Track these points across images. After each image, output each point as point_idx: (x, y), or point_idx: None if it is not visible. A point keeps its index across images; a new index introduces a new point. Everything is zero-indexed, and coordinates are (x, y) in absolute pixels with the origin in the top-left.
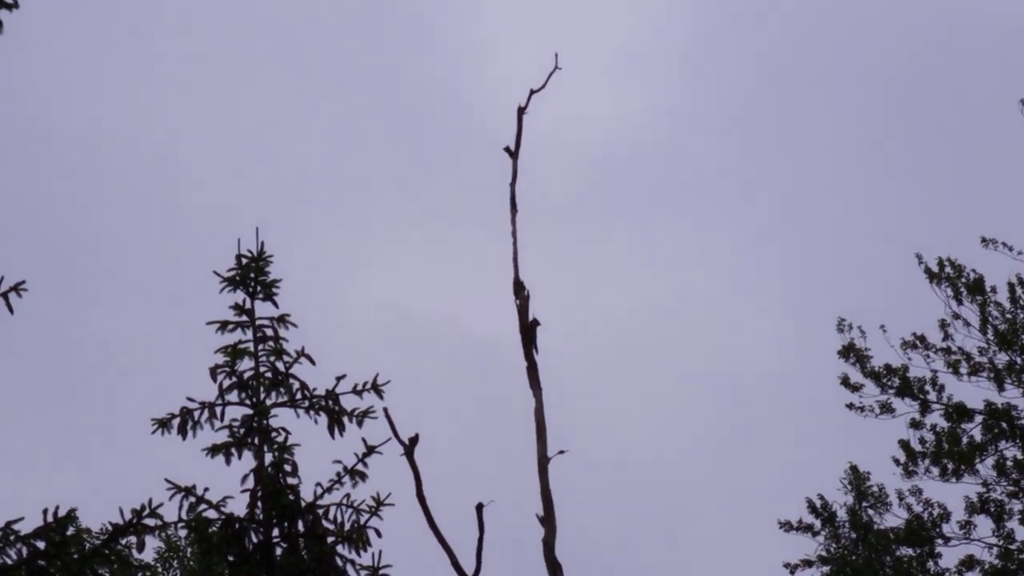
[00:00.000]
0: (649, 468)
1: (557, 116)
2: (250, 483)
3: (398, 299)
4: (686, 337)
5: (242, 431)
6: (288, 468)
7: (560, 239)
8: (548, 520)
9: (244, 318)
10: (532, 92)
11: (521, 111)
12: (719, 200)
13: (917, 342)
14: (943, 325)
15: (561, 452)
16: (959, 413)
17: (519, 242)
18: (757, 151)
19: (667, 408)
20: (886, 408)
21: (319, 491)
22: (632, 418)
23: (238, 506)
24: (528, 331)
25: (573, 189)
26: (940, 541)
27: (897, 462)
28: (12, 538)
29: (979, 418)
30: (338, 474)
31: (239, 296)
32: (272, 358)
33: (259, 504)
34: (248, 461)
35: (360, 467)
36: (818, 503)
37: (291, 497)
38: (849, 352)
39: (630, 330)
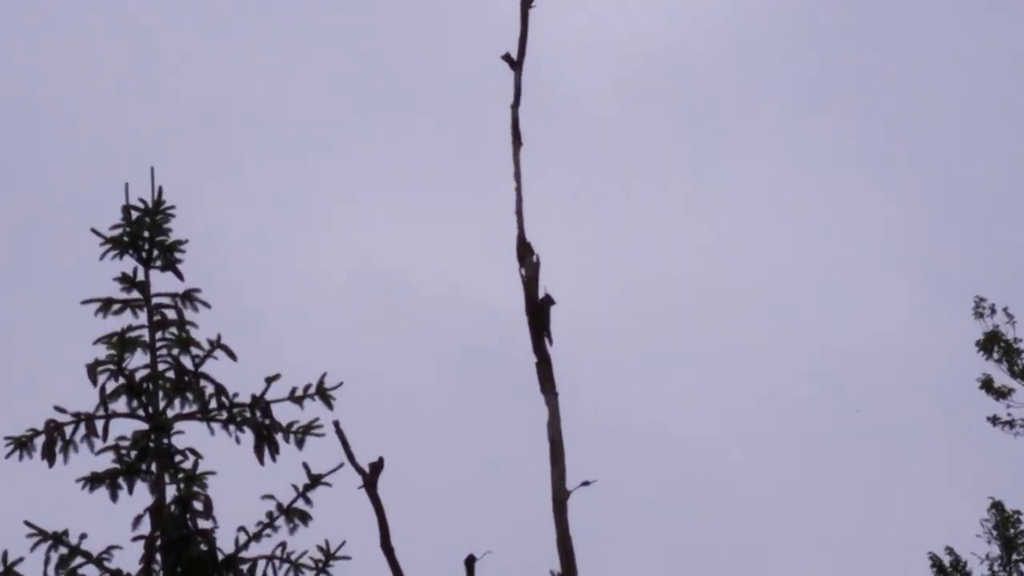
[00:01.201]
0: (706, 493)
1: (580, 9)
2: (145, 527)
3: (366, 264)
4: (754, 312)
5: (133, 454)
6: (199, 506)
7: (585, 180)
8: None
9: (135, 295)
10: None
11: (526, 3)
12: (806, 125)
13: None
14: None
15: (586, 484)
16: None
17: (525, 186)
18: (860, 61)
19: (731, 404)
20: None
21: (243, 539)
22: (686, 421)
23: (128, 560)
24: (538, 313)
25: (603, 111)
26: None
27: None
28: None
29: None
30: (270, 515)
31: (128, 264)
32: (175, 351)
33: (158, 557)
34: (143, 496)
35: (301, 505)
36: (947, 559)
37: (203, 547)
38: (993, 344)
39: (682, 301)
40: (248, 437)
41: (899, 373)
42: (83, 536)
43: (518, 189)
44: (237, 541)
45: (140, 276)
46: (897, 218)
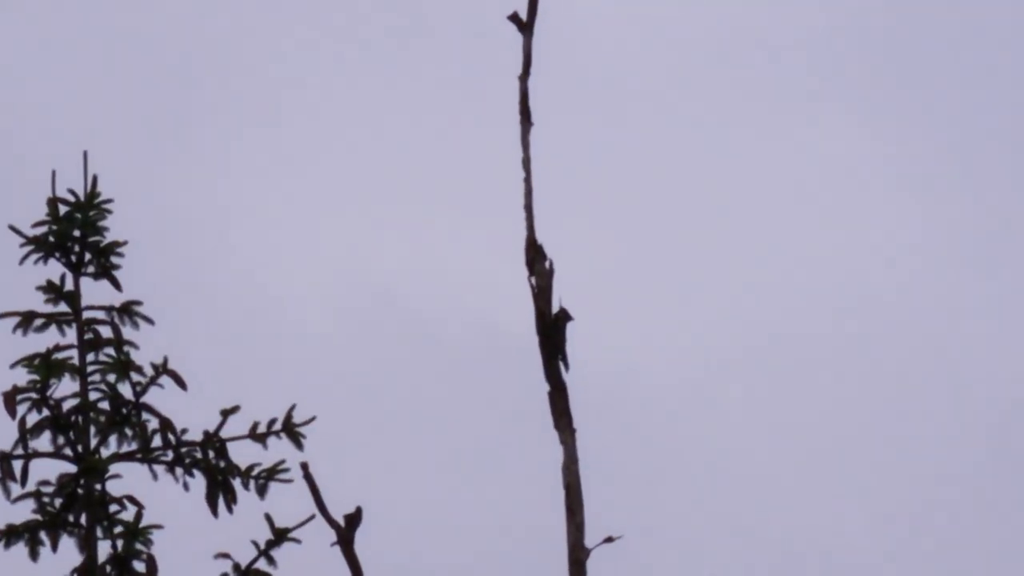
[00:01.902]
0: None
1: None
2: None
3: (349, 271)
4: (862, 338)
5: (59, 502)
6: (140, 567)
7: (613, 166)
8: None
9: (63, 307)
10: None
11: None
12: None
13: None
14: None
15: (610, 540)
16: None
17: (536, 175)
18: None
19: (820, 457)
20: None
21: None
22: (762, 470)
23: None
24: (551, 332)
25: (639, 80)
26: None
27: None
28: None
29: None
30: None
31: (54, 270)
32: (111, 377)
33: None
34: (70, 554)
35: (263, 566)
36: None
37: None
38: None
39: (752, 324)
40: (199, 482)
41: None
42: None
43: (527, 179)
44: None
45: (68, 285)
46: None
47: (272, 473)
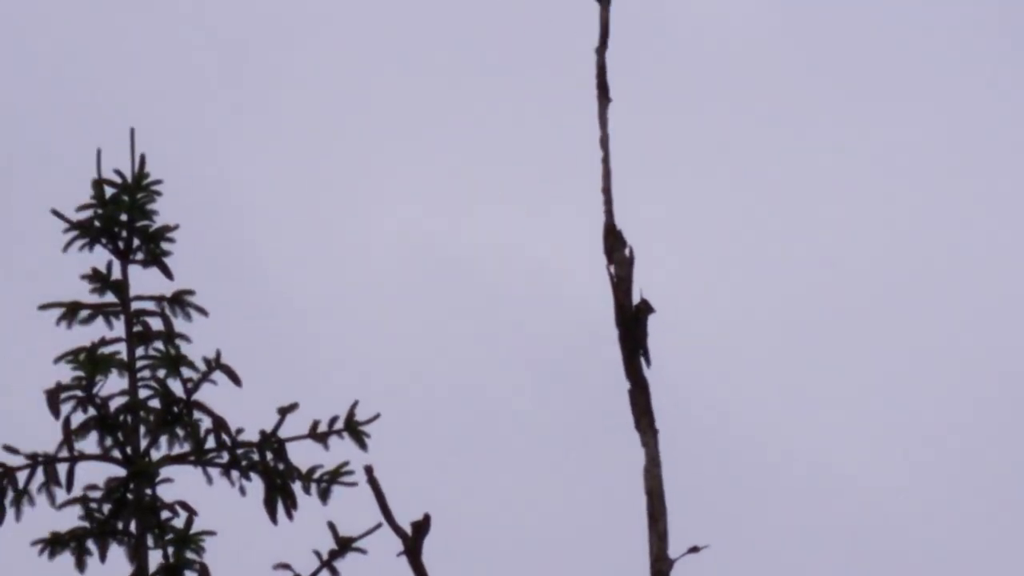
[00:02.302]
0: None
1: None
2: None
3: (420, 245)
4: (929, 311)
5: (107, 508)
6: None
7: (699, 144)
8: None
9: (110, 297)
10: None
11: None
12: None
13: None
14: None
15: (695, 549)
16: None
17: (615, 155)
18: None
19: (904, 432)
20: None
21: None
22: (841, 456)
23: None
24: (631, 325)
25: (723, 54)
26: None
27: None
28: None
29: None
30: None
31: (100, 257)
32: (162, 373)
33: None
34: (119, 563)
35: None
36: None
37: None
38: None
39: (831, 296)
40: (256, 486)
41: None
42: None
43: (605, 160)
44: None
45: (116, 273)
46: None
47: (335, 476)
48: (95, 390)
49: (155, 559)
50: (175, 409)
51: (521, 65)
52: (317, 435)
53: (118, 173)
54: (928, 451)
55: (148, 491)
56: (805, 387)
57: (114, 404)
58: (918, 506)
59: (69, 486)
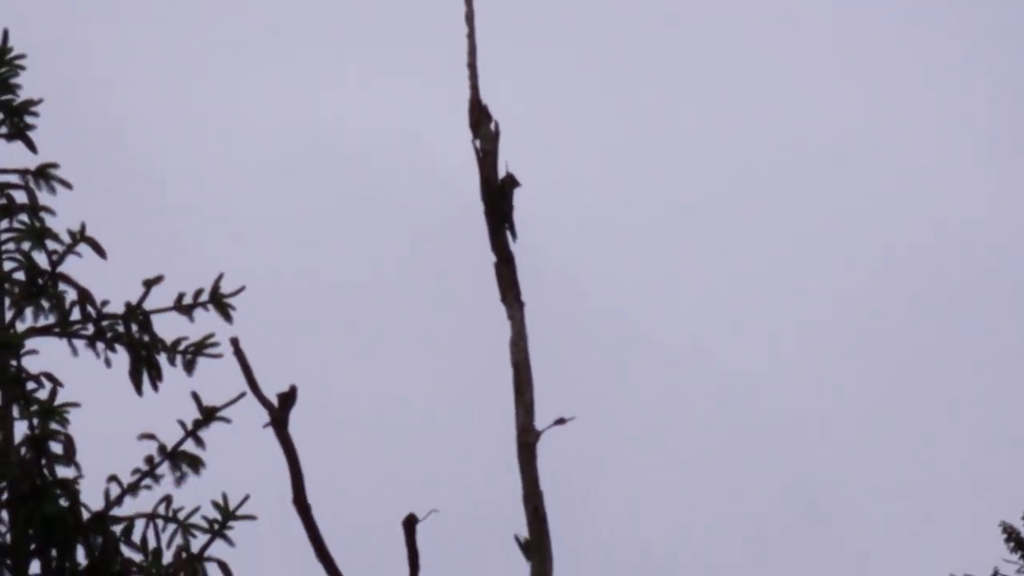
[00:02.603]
0: (735, 415)
1: None
2: None
3: (292, 115)
4: (805, 196)
5: None
6: (57, 449)
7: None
8: (537, 548)
9: None
10: None
11: None
12: None
13: None
14: None
15: (561, 421)
16: None
17: (481, 30)
18: None
19: (769, 313)
20: None
21: (115, 492)
22: (702, 333)
23: None
24: (497, 199)
25: None
26: None
27: None
28: None
29: None
30: (150, 460)
31: None
32: (26, 246)
33: (3, 515)
34: None
35: (190, 447)
36: None
37: (63, 502)
38: None
39: (705, 178)
40: (122, 358)
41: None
42: None
43: (471, 35)
44: (107, 495)
45: None
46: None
47: (200, 348)
48: None
49: (20, 430)
50: (40, 281)
51: None
52: (182, 307)
53: None
54: (791, 336)
55: (13, 362)
56: (676, 268)
57: None
58: (776, 385)
59: None
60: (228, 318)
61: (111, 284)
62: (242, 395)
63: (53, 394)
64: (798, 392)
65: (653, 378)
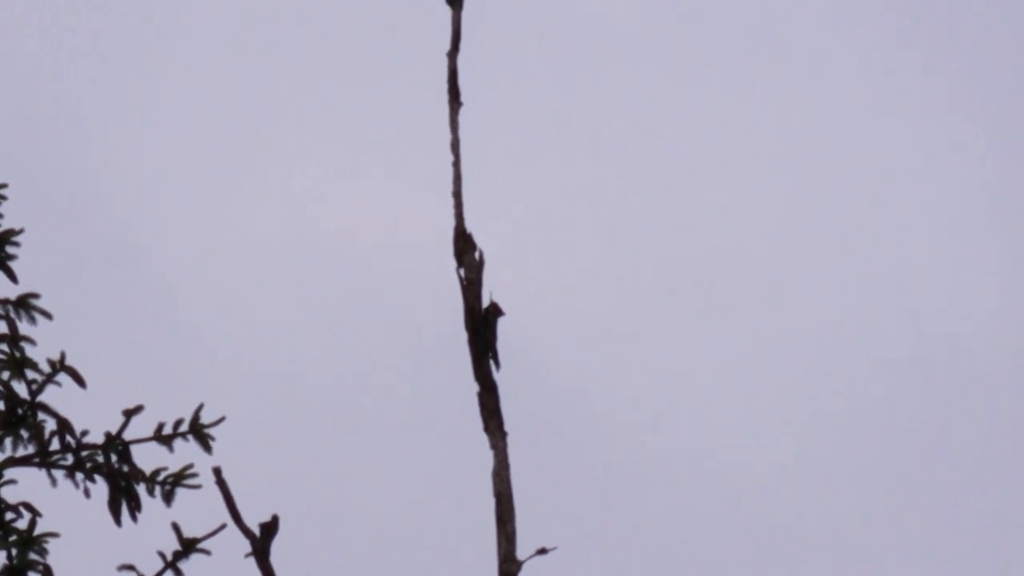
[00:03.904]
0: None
1: None
2: None
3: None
4: (799, 292)
5: None
6: None
7: (551, 142)
8: None
9: None
10: None
11: None
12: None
13: None
14: None
15: (543, 551)
16: None
17: (466, 159)
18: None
19: (770, 416)
20: None
21: None
22: (700, 445)
23: None
24: (479, 326)
25: (581, 51)
26: None
27: None
28: None
29: None
30: None
31: None
32: (6, 374)
33: None
34: None
35: None
36: None
37: None
38: None
39: (697, 281)
40: (101, 488)
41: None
42: None
43: (456, 164)
44: None
45: None
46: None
47: (179, 478)
48: None
49: None
50: (19, 411)
51: (378, 64)
52: (162, 437)
53: None
54: (797, 439)
55: None
56: (667, 383)
57: None
58: (786, 496)
59: None
60: (208, 448)
61: (91, 415)
62: (222, 526)
63: (32, 524)
64: (810, 502)
65: (636, 500)
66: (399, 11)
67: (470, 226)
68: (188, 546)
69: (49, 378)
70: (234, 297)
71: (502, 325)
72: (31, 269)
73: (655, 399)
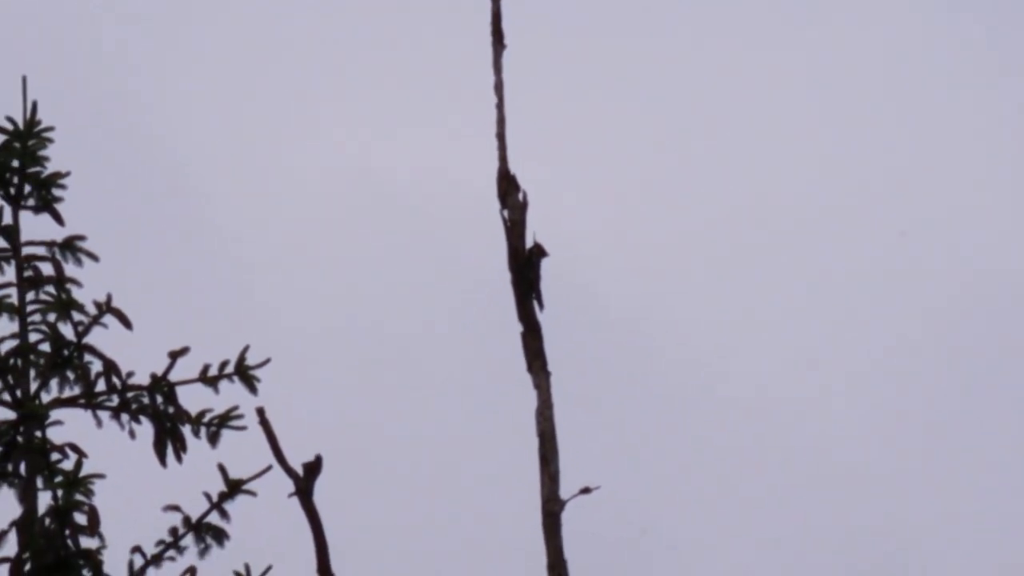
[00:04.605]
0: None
1: None
2: (12, 546)
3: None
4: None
5: None
6: (82, 519)
7: (595, 86)
8: None
9: (1, 243)
10: None
11: None
12: None
13: None
14: None
15: (587, 491)
16: None
17: (508, 103)
18: None
19: (836, 359)
20: None
21: (139, 563)
22: (749, 387)
23: None
24: (523, 267)
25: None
26: None
27: None
28: None
29: None
30: (174, 531)
31: None
32: (52, 317)
33: None
34: (8, 505)
35: (215, 519)
36: None
37: (88, 573)
38: None
39: (757, 227)
40: (146, 430)
41: None
42: None
43: (500, 106)
44: (131, 566)
45: (7, 218)
46: None
47: (224, 420)
48: None
49: (45, 501)
50: (65, 352)
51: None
52: (207, 379)
53: (9, 120)
54: (848, 379)
55: (38, 433)
56: (714, 324)
57: (4, 347)
58: (843, 435)
59: None
60: (253, 390)
61: (137, 356)
62: (268, 468)
63: (78, 465)
64: (871, 440)
65: (682, 442)
66: None
67: (514, 167)
68: (233, 487)
69: (95, 320)
70: (281, 239)
71: (546, 266)
72: (79, 211)
73: (702, 339)
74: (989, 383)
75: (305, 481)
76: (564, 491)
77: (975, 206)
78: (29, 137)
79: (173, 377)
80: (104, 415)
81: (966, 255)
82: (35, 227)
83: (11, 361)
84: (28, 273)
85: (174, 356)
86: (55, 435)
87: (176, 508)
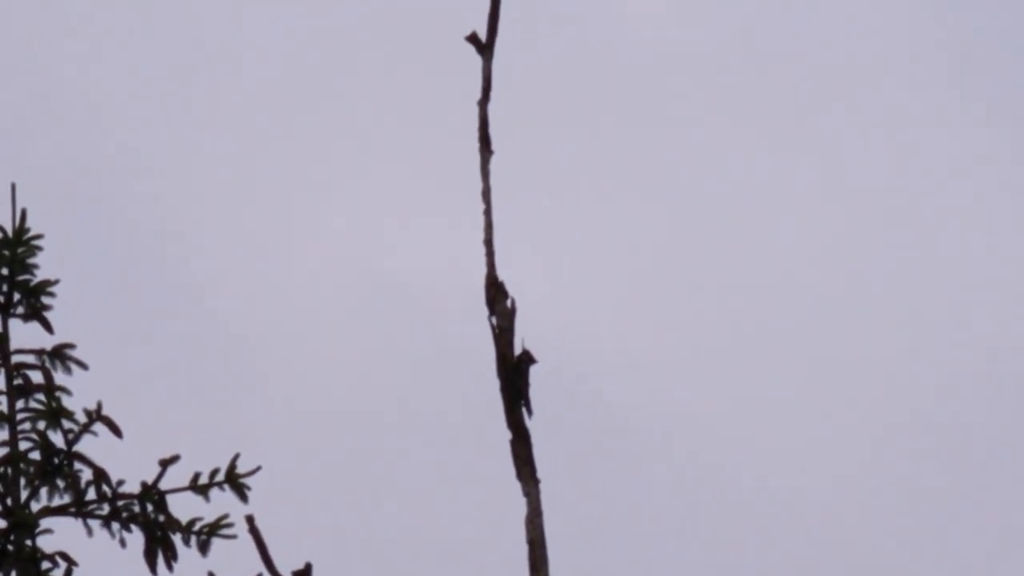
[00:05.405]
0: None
1: None
2: None
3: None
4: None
5: None
6: None
7: (582, 188)
8: None
9: None
10: None
11: None
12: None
13: None
14: None
15: None
16: None
17: (495, 209)
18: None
19: (839, 443)
20: None
21: None
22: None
23: None
24: (511, 373)
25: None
26: None
27: None
28: None
29: None
30: None
31: None
32: (42, 424)
33: None
34: None
35: None
36: None
37: None
38: None
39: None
40: (137, 538)
41: None
42: None
43: (487, 212)
44: None
45: None
46: None
47: (215, 528)
48: None
49: None
50: (55, 460)
51: (407, 113)
52: (198, 487)
53: None
54: (858, 463)
55: (28, 542)
56: (707, 425)
57: None
58: (851, 520)
59: None
60: (244, 498)
61: (127, 464)
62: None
63: (68, 574)
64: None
65: (675, 547)
66: (432, 60)
67: (502, 274)
68: None
69: (85, 428)
70: (278, 340)
71: (534, 372)
72: (67, 319)
73: (693, 442)
74: (1005, 467)
75: None
76: None
77: (981, 283)
78: (18, 245)
79: (163, 485)
80: (94, 523)
81: (976, 334)
82: (24, 335)
83: (1, 469)
84: (18, 381)
85: (164, 464)
86: (45, 544)
87: None
